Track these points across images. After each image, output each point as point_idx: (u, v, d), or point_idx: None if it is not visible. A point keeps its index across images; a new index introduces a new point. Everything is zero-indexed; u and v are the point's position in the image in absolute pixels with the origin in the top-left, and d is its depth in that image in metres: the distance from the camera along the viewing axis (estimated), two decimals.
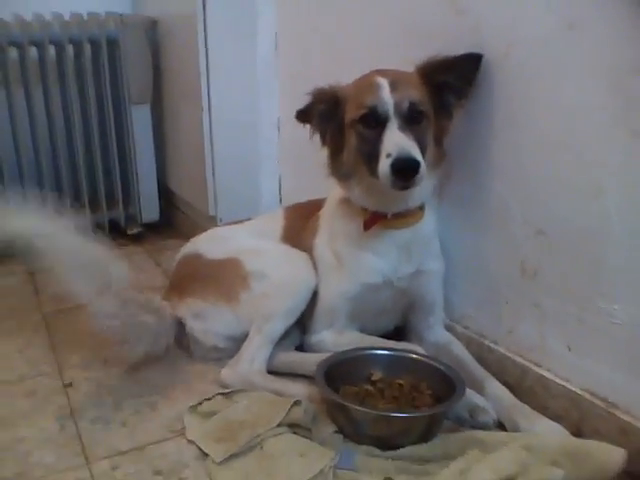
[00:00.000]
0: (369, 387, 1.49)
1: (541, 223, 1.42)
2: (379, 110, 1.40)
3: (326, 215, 1.75)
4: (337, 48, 2.05)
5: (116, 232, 2.83)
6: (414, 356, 1.54)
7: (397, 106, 1.39)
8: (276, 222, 1.90)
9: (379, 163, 1.36)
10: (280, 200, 2.52)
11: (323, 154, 1.57)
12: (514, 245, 1.50)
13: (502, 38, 1.41)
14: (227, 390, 1.55)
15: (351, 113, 1.46)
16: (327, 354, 1.56)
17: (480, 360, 1.59)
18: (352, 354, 1.55)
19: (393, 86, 1.41)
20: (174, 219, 3.03)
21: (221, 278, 1.74)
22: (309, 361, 1.61)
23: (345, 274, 1.64)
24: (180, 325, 1.76)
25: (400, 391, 1.47)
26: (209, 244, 1.88)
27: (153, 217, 2.92)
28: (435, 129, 1.48)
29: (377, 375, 1.51)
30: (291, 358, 1.70)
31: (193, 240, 1.96)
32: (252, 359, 1.63)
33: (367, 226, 1.56)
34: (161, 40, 2.82)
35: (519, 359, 1.53)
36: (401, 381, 1.49)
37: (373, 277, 1.61)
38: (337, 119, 1.50)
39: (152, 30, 2.81)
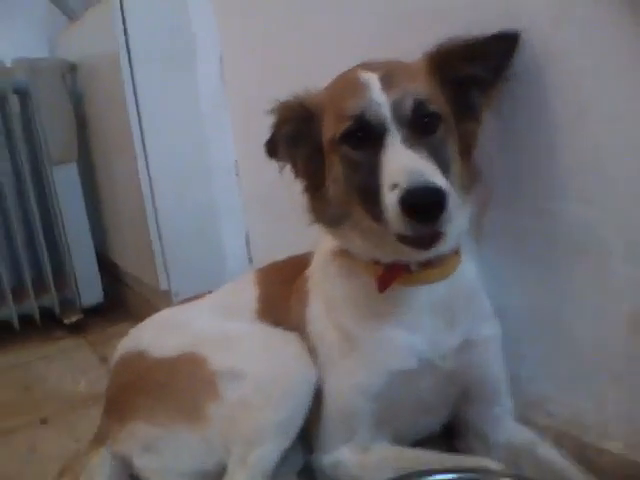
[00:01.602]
0: None
1: None
2: (369, 118, 0.99)
3: (317, 275, 1.27)
4: (304, 56, 1.66)
5: (50, 322, 2.45)
6: (489, 478, 1.02)
7: (396, 108, 0.99)
8: (247, 292, 1.40)
9: (381, 200, 0.95)
10: (250, 261, 2.17)
11: (299, 192, 1.15)
12: (613, 290, 1.03)
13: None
14: None
15: (330, 129, 1.06)
16: None
17: (586, 467, 1.07)
18: None
19: (386, 81, 1.01)
20: (122, 299, 2.62)
21: (176, 386, 1.22)
22: None
23: (361, 360, 1.15)
24: (124, 468, 1.22)
25: None
26: (155, 335, 1.36)
27: (95, 299, 2.52)
28: (460, 138, 1.07)
29: None
30: None
31: (133, 331, 1.43)
32: None
33: (382, 286, 1.09)
34: (83, 87, 2.52)
35: None
36: None
37: (404, 360, 1.12)
38: (312, 140, 1.10)
39: (71, 76, 2.53)
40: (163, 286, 2.06)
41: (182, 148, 2.04)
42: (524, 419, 1.20)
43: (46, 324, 2.39)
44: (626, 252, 0.98)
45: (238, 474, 1.11)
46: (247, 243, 2.16)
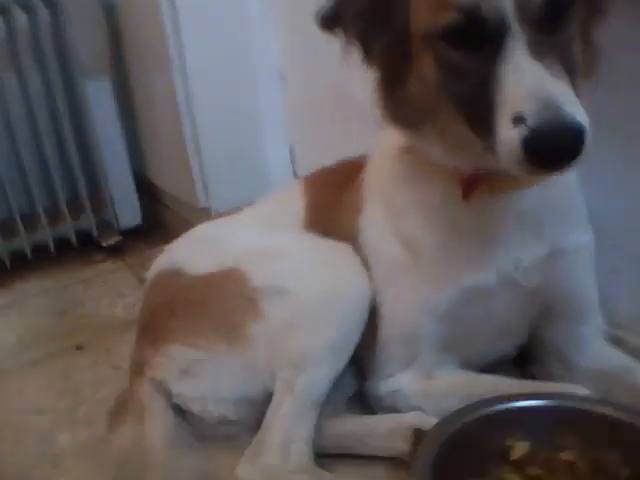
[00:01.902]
0: (510, 475, 0.84)
1: None
2: (485, 12, 0.74)
3: (375, 178, 1.09)
4: None
5: (88, 245, 2.32)
6: (583, 405, 0.87)
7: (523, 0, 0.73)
8: (293, 202, 1.24)
9: (493, 125, 0.74)
10: (295, 175, 1.99)
11: (369, 82, 0.93)
12: None
13: None
14: None
15: (423, 15, 0.82)
16: (414, 416, 0.98)
17: None
18: (469, 416, 0.87)
19: None
20: (161, 220, 2.48)
21: (215, 304, 1.09)
22: (382, 430, 1.01)
23: (427, 273, 1.00)
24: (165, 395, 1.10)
25: (572, 475, 0.83)
26: (192, 252, 1.22)
27: (133, 221, 2.37)
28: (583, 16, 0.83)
29: (520, 448, 0.86)
30: (354, 428, 1.05)
31: (169, 248, 1.30)
32: (285, 443, 0.96)
33: (467, 192, 0.92)
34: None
35: None
36: (569, 456, 0.85)
37: (479, 275, 0.97)
38: (395, 24, 0.86)
39: None
40: (202, 203, 1.93)
41: (223, 53, 1.85)
42: (616, 341, 1.03)
43: (83, 247, 2.28)
44: None
45: (285, 402, 0.99)
46: (292, 156, 1.99)
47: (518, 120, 0.70)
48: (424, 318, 1.00)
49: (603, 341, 1.05)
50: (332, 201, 1.17)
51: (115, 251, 2.33)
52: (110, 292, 1.95)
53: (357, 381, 1.13)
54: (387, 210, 1.05)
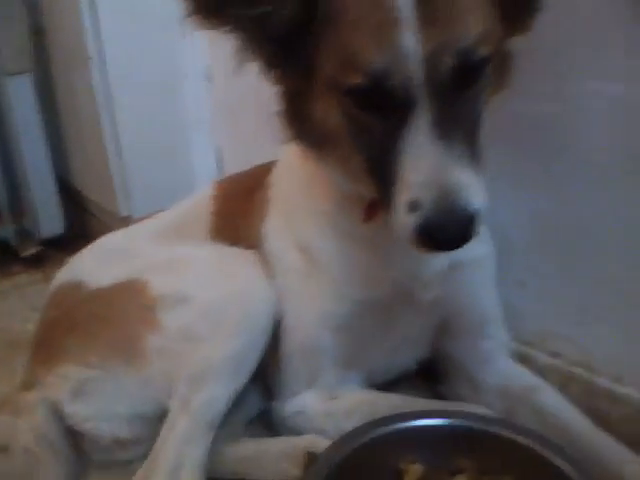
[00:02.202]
0: None
1: None
2: (393, 81, 0.69)
3: (280, 185, 1.07)
4: None
5: (6, 255, 2.23)
6: (480, 425, 0.84)
7: (432, 66, 0.69)
8: (201, 209, 1.19)
9: (392, 201, 0.73)
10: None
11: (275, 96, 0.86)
12: None
13: None
14: None
15: (332, 66, 0.75)
16: (307, 439, 0.95)
17: (597, 417, 0.88)
18: (363, 437, 0.83)
19: (426, 12, 0.68)
20: (86, 229, 2.38)
21: (111, 318, 1.03)
22: (274, 454, 0.96)
23: (325, 284, 0.97)
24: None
25: None
26: (95, 263, 1.16)
27: (55, 230, 2.25)
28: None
29: (414, 471, 0.82)
30: (247, 452, 0.99)
31: (72, 260, 1.23)
32: (175, 468, 0.90)
33: (368, 217, 0.91)
34: None
35: None
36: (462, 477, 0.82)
37: (377, 288, 0.95)
38: (302, 53, 0.77)
39: None
40: (123, 212, 1.85)
41: (146, 53, 1.78)
42: (523, 359, 1.02)
43: (1, 257, 2.19)
44: None
45: (179, 420, 0.93)
46: (219, 159, 1.94)
47: (414, 206, 0.69)
48: (322, 331, 0.97)
49: (508, 358, 1.03)
50: (239, 208, 1.12)
51: (35, 262, 2.22)
52: (25, 306, 1.83)
53: (263, 401, 1.08)
54: (288, 217, 1.01)
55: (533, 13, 0.78)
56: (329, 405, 0.98)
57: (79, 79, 1.95)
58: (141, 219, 1.45)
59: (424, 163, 0.69)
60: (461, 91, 0.71)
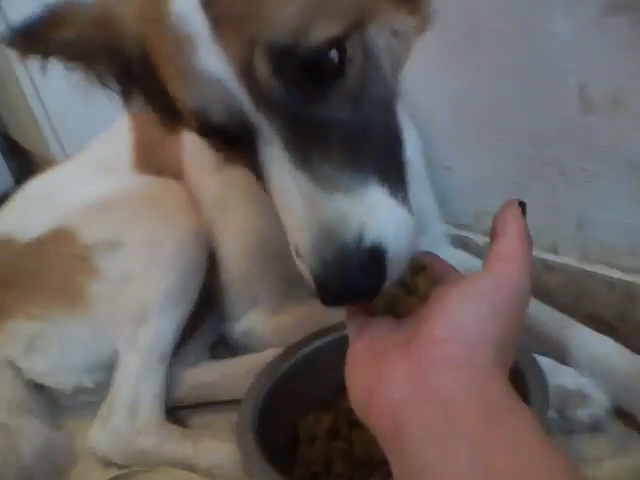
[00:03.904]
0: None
1: None
2: (216, 117, 0.53)
3: None
4: None
5: None
6: None
7: (250, 84, 0.50)
8: (121, 142, 1.13)
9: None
10: None
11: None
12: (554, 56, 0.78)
13: None
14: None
15: (174, 92, 0.57)
16: (269, 353, 0.91)
17: (534, 287, 0.86)
18: (304, 348, 0.83)
19: (218, 18, 0.49)
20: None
21: (49, 270, 1.00)
22: (240, 372, 0.95)
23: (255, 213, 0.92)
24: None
25: None
26: (22, 214, 1.12)
27: (5, 186, 2.15)
28: None
29: None
30: (210, 376, 0.99)
31: None
32: (132, 402, 0.91)
33: None
34: None
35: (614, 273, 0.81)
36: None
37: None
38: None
39: None
40: (50, 152, 1.75)
41: None
42: (460, 242, 1.00)
43: None
44: None
45: (130, 358, 0.94)
46: None
47: (298, 253, 0.52)
48: (252, 258, 0.95)
49: (448, 247, 1.01)
50: (158, 137, 1.05)
51: None
52: None
53: (219, 322, 1.08)
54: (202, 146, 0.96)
55: None
56: (274, 321, 0.97)
57: None
58: None
59: (290, 200, 0.51)
60: (319, 91, 0.51)
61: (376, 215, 0.50)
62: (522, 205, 0.54)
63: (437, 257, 0.61)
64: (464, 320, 0.46)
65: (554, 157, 0.83)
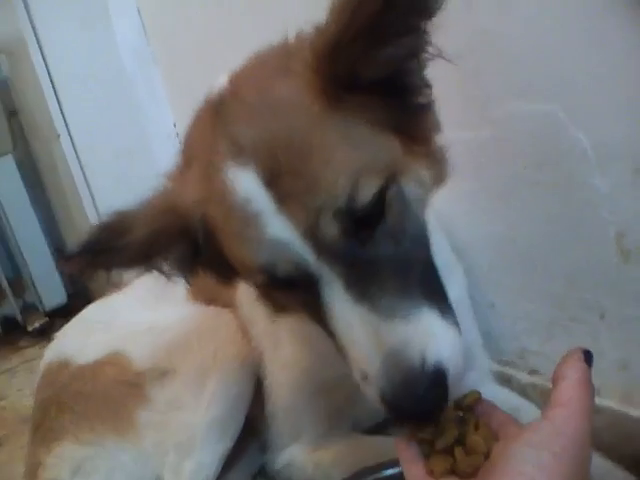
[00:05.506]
0: None
1: None
2: (282, 273, 0.62)
3: None
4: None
5: (14, 331, 2.26)
6: None
7: (317, 242, 0.59)
8: None
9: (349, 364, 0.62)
10: None
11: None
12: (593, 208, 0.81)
13: None
14: None
15: (239, 268, 0.68)
16: None
17: None
18: None
19: (277, 188, 0.59)
20: (88, 295, 2.31)
21: (101, 395, 1.04)
22: None
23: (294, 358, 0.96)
24: None
25: None
26: (79, 337, 1.17)
27: (58, 300, 2.29)
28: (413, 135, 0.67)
29: None
30: None
31: (57, 337, 1.24)
32: None
33: None
34: (8, 73, 2.27)
35: None
36: None
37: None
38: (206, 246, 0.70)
39: None
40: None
41: (112, 119, 1.83)
42: (504, 379, 1.00)
43: (9, 333, 2.22)
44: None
45: None
46: None
47: (365, 377, 0.58)
48: (297, 395, 0.96)
49: (493, 384, 1.00)
50: None
51: (42, 334, 2.22)
52: (34, 380, 1.84)
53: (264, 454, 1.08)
54: None
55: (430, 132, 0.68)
56: (316, 456, 0.97)
57: (55, 154, 1.99)
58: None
59: (354, 333, 0.58)
60: (369, 234, 0.60)
61: (434, 337, 0.56)
62: (587, 354, 0.57)
63: (494, 407, 0.63)
64: (527, 470, 0.47)
65: (593, 301, 0.85)
